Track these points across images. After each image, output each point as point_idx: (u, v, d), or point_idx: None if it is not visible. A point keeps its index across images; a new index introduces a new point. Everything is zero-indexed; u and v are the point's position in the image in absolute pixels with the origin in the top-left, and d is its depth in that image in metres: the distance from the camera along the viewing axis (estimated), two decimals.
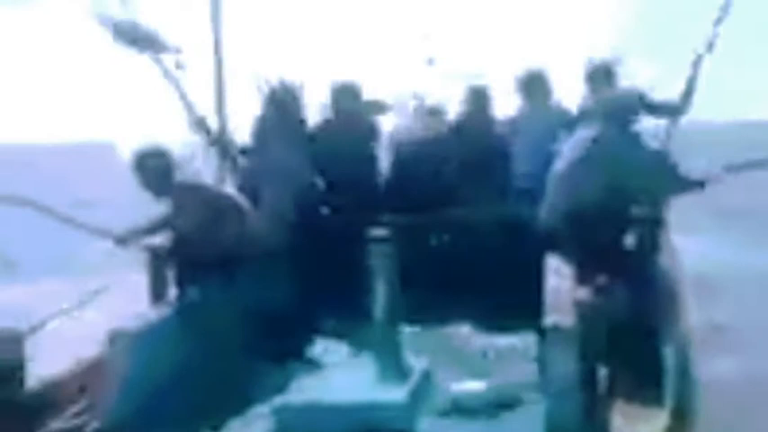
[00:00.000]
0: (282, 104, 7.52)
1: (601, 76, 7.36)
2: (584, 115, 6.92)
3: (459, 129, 7.68)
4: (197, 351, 5.30)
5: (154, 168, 5.95)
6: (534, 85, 7.73)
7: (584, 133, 6.36)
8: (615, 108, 6.35)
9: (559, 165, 6.39)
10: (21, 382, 5.00)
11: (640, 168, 6.16)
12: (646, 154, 6.34)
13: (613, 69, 7.38)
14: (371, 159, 7.72)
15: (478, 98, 7.66)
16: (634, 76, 7.38)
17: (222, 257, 5.79)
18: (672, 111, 7.18)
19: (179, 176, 6.09)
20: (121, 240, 6.49)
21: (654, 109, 7.05)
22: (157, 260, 6.37)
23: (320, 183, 7.55)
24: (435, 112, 7.79)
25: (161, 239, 6.37)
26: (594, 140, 6.23)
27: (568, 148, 6.40)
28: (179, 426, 4.72)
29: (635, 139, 6.36)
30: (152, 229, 6.48)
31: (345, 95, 7.68)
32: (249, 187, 6.83)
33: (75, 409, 5.14)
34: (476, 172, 7.34)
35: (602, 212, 5.98)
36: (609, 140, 6.19)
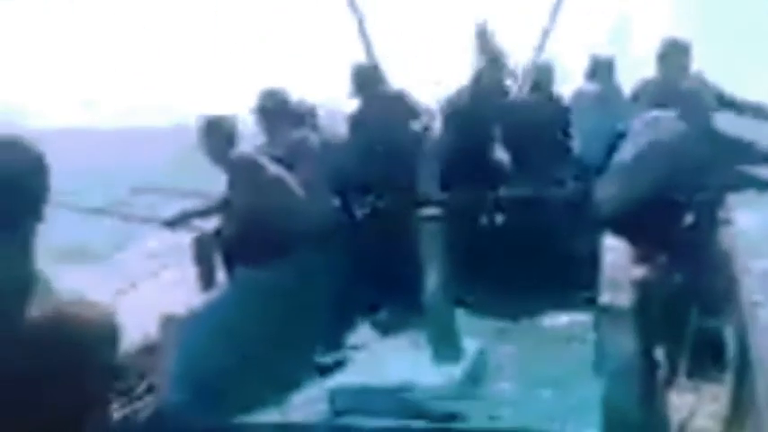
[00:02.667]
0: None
1: (674, 59, 7.22)
2: (651, 96, 6.79)
3: (515, 104, 7.63)
4: (251, 334, 5.28)
5: (217, 135, 5.96)
6: (601, 68, 7.68)
7: (660, 119, 6.24)
8: (690, 100, 6.26)
9: (625, 150, 6.29)
10: None
11: (714, 165, 6.08)
12: (716, 150, 6.25)
13: (689, 53, 7.27)
14: (415, 137, 7.66)
15: (540, 74, 7.61)
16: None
17: (275, 239, 5.76)
18: (756, 111, 7.07)
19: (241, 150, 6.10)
20: (170, 223, 6.51)
21: (736, 107, 6.94)
22: (204, 247, 6.38)
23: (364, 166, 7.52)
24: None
25: (208, 226, 6.38)
26: (672, 132, 6.13)
27: (639, 132, 6.29)
28: (236, 408, 4.72)
29: (716, 136, 6.29)
30: (200, 213, 6.49)
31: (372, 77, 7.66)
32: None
33: (126, 395, 5.16)
34: (530, 147, 7.27)
35: (665, 197, 5.90)
36: (687, 134, 6.10)
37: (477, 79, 7.69)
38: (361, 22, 8.21)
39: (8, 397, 1.89)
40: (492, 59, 7.68)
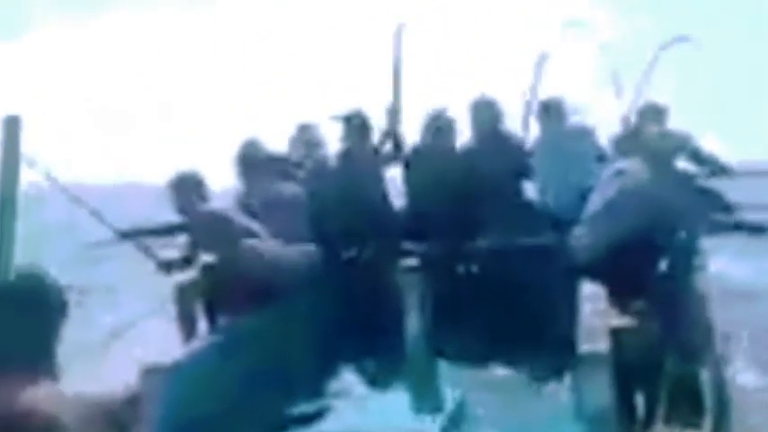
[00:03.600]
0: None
1: (651, 114, 7.44)
2: (625, 147, 6.92)
3: (473, 151, 7.65)
4: (233, 384, 5.29)
5: (184, 189, 6.01)
6: (553, 110, 7.75)
7: (625, 168, 6.36)
8: (661, 149, 6.37)
9: (598, 199, 6.39)
10: None
11: (681, 208, 6.18)
12: (691, 195, 6.36)
13: (665, 110, 7.50)
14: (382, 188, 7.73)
15: (485, 110, 7.65)
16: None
17: (254, 290, 5.79)
18: (719, 169, 7.25)
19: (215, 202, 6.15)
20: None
21: (701, 161, 7.10)
22: (184, 293, 6.39)
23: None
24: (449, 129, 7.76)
25: (188, 275, 6.39)
26: (637, 176, 6.25)
27: (607, 182, 6.41)
28: None
29: (681, 178, 6.40)
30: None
31: (353, 123, 7.74)
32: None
33: None
34: (498, 196, 7.32)
35: (641, 244, 5.98)
36: (653, 178, 6.21)
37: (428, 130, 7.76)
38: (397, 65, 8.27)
39: None
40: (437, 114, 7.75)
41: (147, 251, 6.39)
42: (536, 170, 7.52)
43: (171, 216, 6.45)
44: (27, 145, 3.65)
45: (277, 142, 7.57)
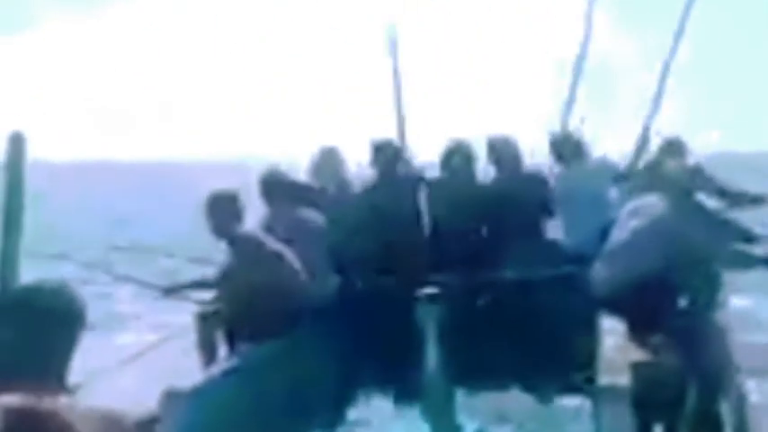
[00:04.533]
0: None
1: (671, 148, 7.47)
2: (644, 181, 6.94)
3: (495, 184, 7.68)
4: (253, 410, 5.30)
5: (222, 210, 6.05)
6: (568, 146, 7.79)
7: (644, 204, 6.37)
8: (679, 182, 6.38)
9: (617, 235, 6.40)
10: None
11: (701, 242, 6.17)
12: (707, 227, 6.34)
13: (684, 145, 7.53)
14: (417, 215, 7.75)
15: (505, 148, 7.68)
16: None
17: (276, 315, 5.81)
18: (748, 201, 7.26)
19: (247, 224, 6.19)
20: (169, 291, 6.58)
21: (727, 194, 7.12)
22: (206, 321, 6.42)
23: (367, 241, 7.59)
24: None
25: (209, 297, 6.42)
26: (656, 212, 6.25)
27: (627, 217, 6.42)
28: None
29: (697, 211, 6.39)
30: (201, 284, 6.55)
31: (385, 152, 7.75)
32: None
33: None
34: (519, 228, 7.33)
35: (661, 280, 5.98)
36: (671, 213, 6.21)
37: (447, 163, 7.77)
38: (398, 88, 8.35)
39: None
40: (457, 144, 7.76)
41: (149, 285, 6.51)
42: (557, 208, 7.54)
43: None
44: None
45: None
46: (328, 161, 7.67)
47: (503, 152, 7.58)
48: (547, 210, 7.52)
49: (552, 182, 7.70)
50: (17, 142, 3.63)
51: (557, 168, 7.74)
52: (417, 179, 7.75)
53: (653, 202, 6.28)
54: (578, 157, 7.66)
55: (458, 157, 7.62)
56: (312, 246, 6.63)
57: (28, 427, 2.22)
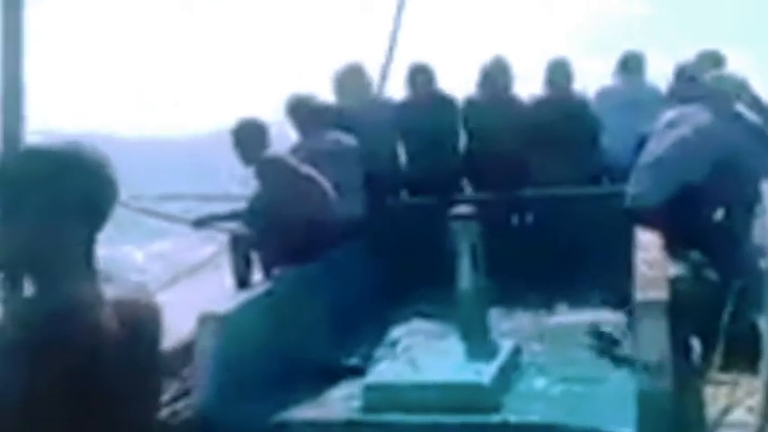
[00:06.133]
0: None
1: (709, 61, 7.32)
2: (682, 93, 6.81)
3: (540, 101, 7.60)
4: (288, 332, 5.33)
5: (249, 137, 6.06)
6: (629, 63, 7.72)
7: (685, 113, 6.25)
8: (717, 92, 6.24)
9: (652, 148, 6.30)
10: None
11: (739, 152, 6.04)
12: (746, 137, 6.20)
13: (723, 59, 7.38)
14: (453, 134, 7.71)
15: (559, 70, 7.59)
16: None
17: (308, 238, 5.81)
18: None
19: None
20: (200, 223, 6.61)
21: (761, 108, 6.95)
22: (239, 245, 6.44)
23: (401, 161, 7.57)
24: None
25: (240, 226, 6.44)
26: (700, 121, 6.13)
27: (665, 128, 6.30)
28: (272, 407, 4.76)
29: (736, 121, 6.25)
30: (228, 216, 6.57)
31: (422, 75, 7.69)
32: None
33: (167, 395, 5.19)
34: (556, 145, 7.26)
35: (700, 192, 5.89)
36: (710, 123, 6.09)
37: (485, 81, 7.67)
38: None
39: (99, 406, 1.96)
40: (496, 61, 7.65)
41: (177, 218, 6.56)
42: (605, 122, 7.47)
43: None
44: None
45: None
46: (353, 79, 7.60)
47: (554, 73, 7.53)
48: (591, 134, 7.46)
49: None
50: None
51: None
52: (451, 99, 7.70)
53: (694, 112, 6.16)
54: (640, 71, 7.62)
55: (497, 72, 7.55)
56: (343, 167, 6.61)
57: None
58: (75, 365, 1.91)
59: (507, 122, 7.41)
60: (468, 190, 7.73)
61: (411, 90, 7.69)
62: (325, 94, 7.54)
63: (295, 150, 6.76)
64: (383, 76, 8.55)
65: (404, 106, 7.68)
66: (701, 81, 6.61)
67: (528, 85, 7.73)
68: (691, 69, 7.34)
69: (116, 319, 1.99)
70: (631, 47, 8.02)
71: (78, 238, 2.06)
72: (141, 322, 2.07)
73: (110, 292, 2.04)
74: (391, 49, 8.44)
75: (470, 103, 7.69)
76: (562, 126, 7.29)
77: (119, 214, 2.26)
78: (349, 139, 6.98)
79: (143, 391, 2.08)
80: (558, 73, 7.54)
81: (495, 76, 7.57)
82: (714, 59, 7.46)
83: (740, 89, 6.47)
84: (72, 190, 2.03)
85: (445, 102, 7.69)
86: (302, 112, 6.98)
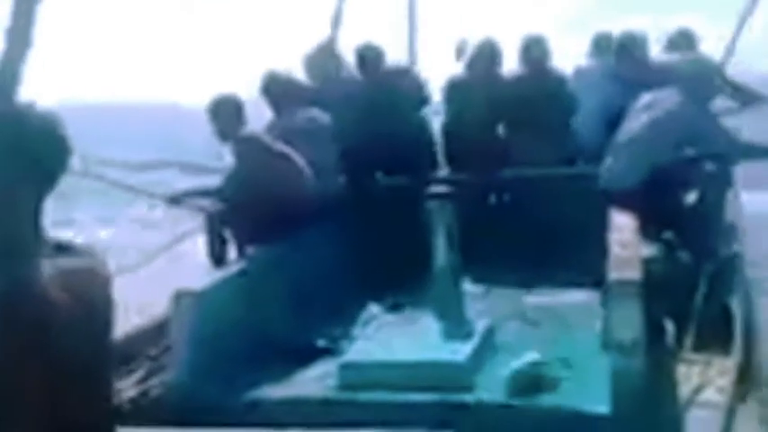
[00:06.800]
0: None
1: (682, 42, 7.34)
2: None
3: (519, 78, 7.58)
4: (262, 311, 5.33)
5: (224, 113, 6.04)
6: (601, 43, 7.72)
7: (659, 96, 6.28)
8: (694, 76, 6.27)
9: (626, 128, 6.33)
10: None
11: (717, 136, 6.09)
12: (717, 127, 6.25)
13: (695, 38, 7.40)
14: (421, 115, 7.71)
15: (535, 46, 7.57)
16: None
17: (283, 216, 5.80)
18: (752, 98, 7.13)
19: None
20: (174, 200, 6.58)
21: (734, 87, 6.99)
22: (214, 222, 6.42)
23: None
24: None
25: (215, 203, 6.41)
26: (671, 104, 6.16)
27: (636, 112, 6.33)
28: (247, 385, 4.75)
29: (708, 108, 6.29)
30: (207, 192, 6.54)
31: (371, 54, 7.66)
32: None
33: (136, 375, 5.18)
34: (534, 125, 7.26)
35: (672, 175, 5.93)
36: (681, 107, 6.12)
37: (474, 64, 7.67)
38: None
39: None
40: (483, 44, 7.63)
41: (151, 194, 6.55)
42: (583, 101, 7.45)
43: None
44: None
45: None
46: (321, 57, 7.58)
47: (531, 50, 7.51)
48: (568, 111, 7.45)
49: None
50: None
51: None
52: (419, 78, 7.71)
53: (668, 95, 6.20)
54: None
55: (478, 53, 7.55)
56: (317, 145, 6.59)
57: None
58: (21, 339, 1.81)
59: (489, 103, 7.40)
60: (447, 170, 7.72)
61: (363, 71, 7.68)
62: (299, 73, 7.51)
63: (270, 128, 6.73)
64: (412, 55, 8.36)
65: (364, 84, 7.64)
66: (677, 63, 6.63)
67: (510, 66, 7.72)
68: (630, 43, 7.29)
69: (65, 291, 1.87)
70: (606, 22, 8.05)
71: (27, 203, 1.95)
72: (92, 293, 1.97)
73: (61, 261, 1.92)
74: (412, 27, 8.31)
75: (453, 83, 7.69)
76: (541, 104, 7.28)
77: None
78: (323, 117, 6.95)
79: (97, 367, 1.98)
80: (534, 50, 7.53)
81: (485, 59, 7.55)
82: (687, 38, 7.47)
83: (716, 73, 6.52)
84: (20, 151, 1.93)
85: (412, 80, 7.70)
86: (276, 89, 6.95)
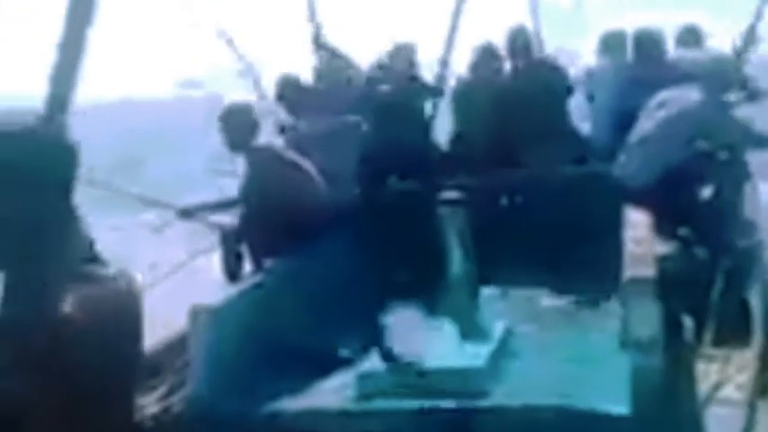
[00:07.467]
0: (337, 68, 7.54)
1: (690, 38, 7.31)
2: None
3: (516, 73, 7.57)
4: (280, 323, 5.33)
5: (237, 124, 6.03)
6: (610, 42, 7.70)
7: (674, 94, 6.26)
8: (714, 74, 6.25)
9: (641, 127, 6.31)
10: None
11: (733, 133, 6.07)
12: (733, 122, 6.22)
13: (703, 34, 7.37)
14: (427, 119, 7.70)
15: (519, 36, 7.57)
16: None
17: (297, 227, 5.80)
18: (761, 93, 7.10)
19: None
20: (186, 213, 6.59)
21: (751, 92, 6.97)
22: (229, 238, 6.43)
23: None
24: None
25: (229, 218, 6.43)
26: (682, 103, 6.14)
27: (655, 108, 6.31)
28: (264, 399, 4.76)
29: (724, 105, 6.27)
30: (217, 206, 6.55)
31: (399, 56, 7.65)
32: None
33: (158, 391, 5.19)
34: (534, 118, 7.24)
35: (687, 171, 5.91)
36: (703, 104, 6.10)
37: (476, 67, 7.66)
38: None
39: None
40: (484, 47, 7.63)
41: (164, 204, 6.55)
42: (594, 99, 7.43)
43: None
44: None
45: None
46: (333, 64, 7.59)
47: (514, 41, 7.50)
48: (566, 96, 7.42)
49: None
50: None
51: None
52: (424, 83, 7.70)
53: (682, 93, 6.18)
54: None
55: (480, 56, 7.55)
56: (336, 150, 6.60)
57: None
58: (37, 358, 1.82)
59: (493, 104, 7.40)
60: (455, 174, 7.69)
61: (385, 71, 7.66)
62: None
63: (287, 133, 6.77)
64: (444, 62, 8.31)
65: (376, 89, 7.63)
66: (693, 65, 6.61)
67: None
68: (647, 41, 7.26)
69: (88, 310, 1.88)
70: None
71: (56, 218, 1.94)
72: (121, 317, 2.00)
73: (90, 285, 1.93)
74: (453, 30, 8.26)
75: (459, 88, 7.71)
76: (538, 93, 7.27)
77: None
78: (350, 120, 6.96)
79: (118, 385, 2.00)
80: (518, 40, 7.53)
81: (487, 62, 7.55)
82: (695, 34, 7.44)
83: (737, 70, 6.50)
84: (42, 170, 1.94)
85: (418, 84, 7.70)
86: (291, 94, 6.98)
